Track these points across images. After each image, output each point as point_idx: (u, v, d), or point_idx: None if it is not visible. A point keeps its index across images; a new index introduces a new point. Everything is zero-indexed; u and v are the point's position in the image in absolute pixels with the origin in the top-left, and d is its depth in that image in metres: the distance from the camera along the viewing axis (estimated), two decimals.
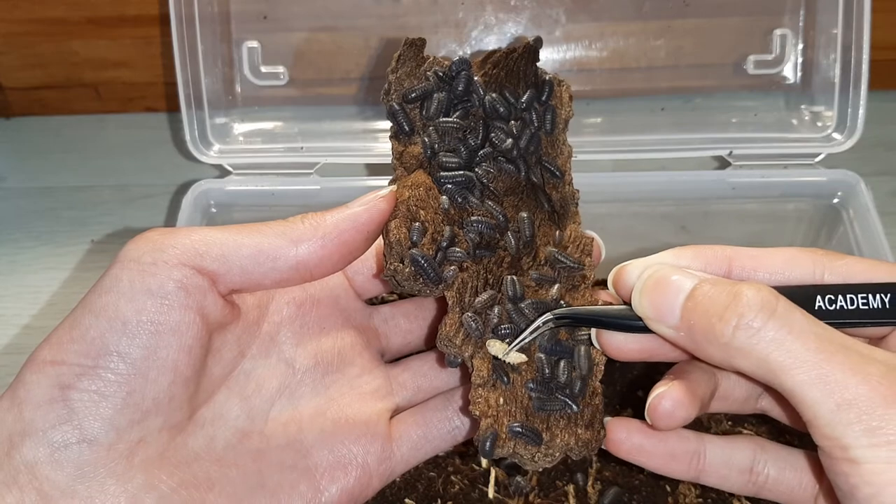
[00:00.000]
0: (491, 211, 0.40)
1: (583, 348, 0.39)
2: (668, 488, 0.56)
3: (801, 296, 0.34)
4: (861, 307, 0.35)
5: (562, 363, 0.38)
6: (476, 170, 0.40)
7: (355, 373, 0.40)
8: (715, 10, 0.67)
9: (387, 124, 0.42)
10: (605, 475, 0.57)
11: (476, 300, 0.38)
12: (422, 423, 0.40)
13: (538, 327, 0.37)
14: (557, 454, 0.37)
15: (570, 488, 0.56)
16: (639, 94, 0.71)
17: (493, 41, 0.68)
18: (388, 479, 0.39)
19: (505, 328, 0.38)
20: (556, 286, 0.40)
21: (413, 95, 0.40)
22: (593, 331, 0.38)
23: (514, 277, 0.39)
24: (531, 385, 0.38)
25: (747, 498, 0.55)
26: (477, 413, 0.36)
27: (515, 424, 0.37)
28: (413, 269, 0.37)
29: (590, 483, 0.56)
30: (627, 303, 0.37)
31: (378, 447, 0.38)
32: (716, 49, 0.68)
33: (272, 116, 0.70)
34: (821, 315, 0.33)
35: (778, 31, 0.67)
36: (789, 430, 0.60)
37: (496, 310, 0.38)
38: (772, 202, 0.65)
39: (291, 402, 0.38)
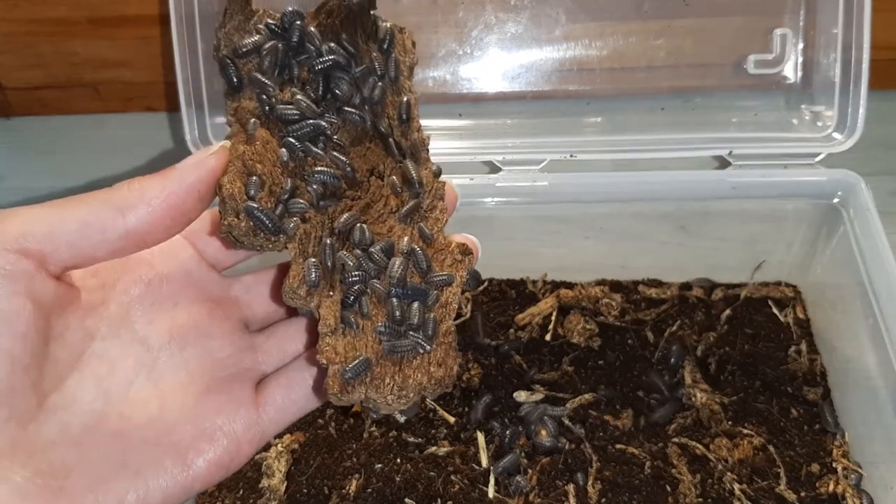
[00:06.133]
0: (336, 161, 0.39)
1: (436, 290, 0.38)
2: (668, 488, 0.56)
3: None
4: None
5: (415, 305, 0.38)
6: (319, 121, 0.39)
7: (216, 345, 0.40)
8: (715, 9, 0.67)
9: None
10: (606, 475, 0.57)
11: (320, 247, 0.38)
12: (285, 385, 0.40)
13: None
14: (412, 395, 0.37)
15: (570, 488, 0.56)
16: (639, 93, 0.71)
17: (493, 40, 0.68)
18: (259, 443, 0.39)
19: (354, 276, 0.37)
20: (409, 232, 0.39)
21: (244, 50, 0.39)
22: None
23: (363, 224, 0.39)
24: (381, 329, 0.37)
25: (748, 498, 0.55)
26: (324, 361, 0.36)
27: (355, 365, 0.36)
28: (250, 222, 0.36)
29: (590, 483, 0.56)
30: None
31: (243, 415, 0.38)
32: (716, 49, 0.68)
33: None
34: None
35: (778, 31, 0.66)
36: (789, 429, 0.60)
37: (342, 255, 0.38)
38: (772, 202, 0.65)
39: (150, 381, 0.37)
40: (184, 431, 0.36)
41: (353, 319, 0.37)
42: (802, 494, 0.56)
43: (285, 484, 0.57)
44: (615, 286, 0.70)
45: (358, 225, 0.38)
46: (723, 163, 0.65)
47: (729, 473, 0.57)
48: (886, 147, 0.77)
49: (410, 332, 0.37)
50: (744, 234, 0.68)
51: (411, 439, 0.60)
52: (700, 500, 0.56)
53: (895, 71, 0.77)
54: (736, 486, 0.56)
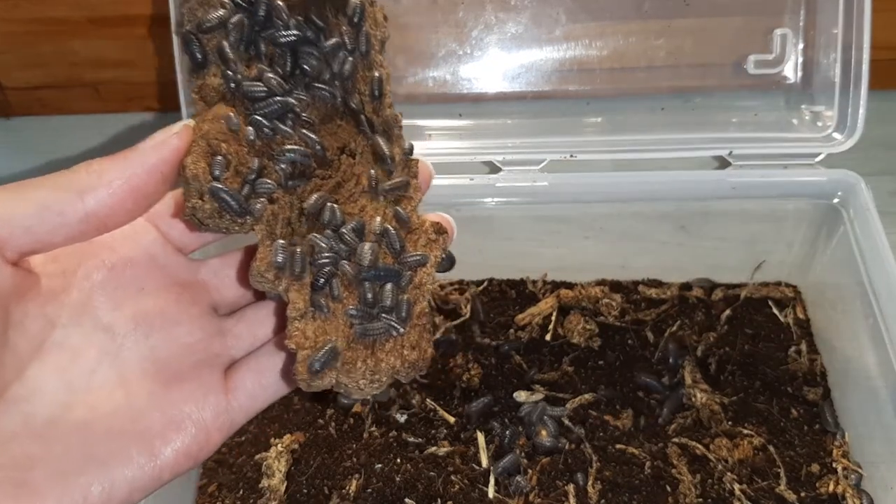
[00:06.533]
0: (305, 139, 0.38)
1: (409, 271, 0.37)
2: (669, 488, 0.56)
3: None
4: None
5: (388, 286, 0.37)
6: (287, 98, 0.38)
7: (183, 331, 0.38)
8: (715, 9, 0.67)
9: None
10: (606, 475, 0.57)
11: (288, 230, 0.36)
12: (255, 370, 0.39)
13: None
14: (385, 379, 0.36)
15: (570, 488, 0.56)
16: (639, 93, 0.71)
17: (493, 40, 0.68)
18: (228, 431, 0.38)
19: (325, 257, 0.36)
20: (381, 212, 0.38)
21: (209, 25, 0.37)
22: None
23: (334, 204, 0.37)
24: (353, 312, 0.36)
25: (748, 498, 0.55)
26: (293, 346, 0.35)
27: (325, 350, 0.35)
28: (215, 203, 0.34)
29: (590, 483, 0.56)
30: None
31: (212, 402, 0.37)
32: (716, 49, 0.68)
33: None
34: None
35: (778, 31, 0.66)
36: (789, 429, 0.60)
37: (313, 236, 0.36)
38: (772, 202, 0.65)
39: (114, 369, 0.35)
40: (151, 420, 0.35)
41: (323, 303, 0.36)
42: (802, 494, 0.56)
43: (285, 484, 0.57)
44: (615, 286, 0.70)
45: (328, 205, 0.37)
46: (723, 163, 0.65)
47: (729, 473, 0.57)
48: (886, 147, 0.77)
49: (383, 315, 0.36)
50: (744, 234, 0.68)
51: (411, 439, 0.60)
52: (700, 500, 0.56)
53: (895, 71, 0.77)
54: (736, 486, 0.56)
